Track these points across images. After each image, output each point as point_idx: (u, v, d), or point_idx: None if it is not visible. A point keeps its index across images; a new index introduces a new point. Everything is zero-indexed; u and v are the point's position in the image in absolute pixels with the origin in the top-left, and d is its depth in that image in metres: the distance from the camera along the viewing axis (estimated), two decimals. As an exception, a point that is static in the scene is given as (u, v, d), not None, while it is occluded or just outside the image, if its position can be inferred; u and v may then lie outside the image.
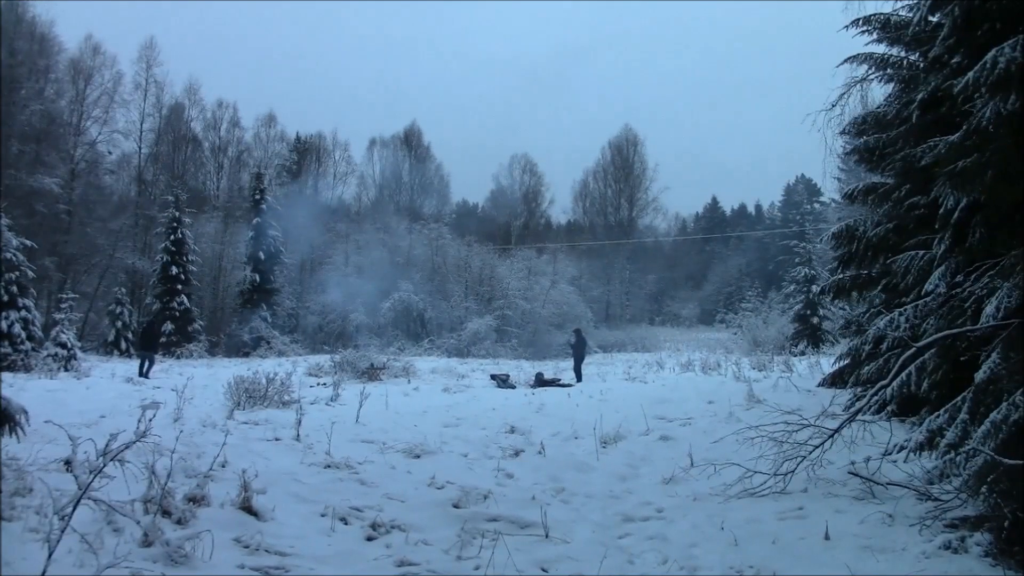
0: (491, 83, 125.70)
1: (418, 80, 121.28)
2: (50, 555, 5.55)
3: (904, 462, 9.27)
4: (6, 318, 27.39)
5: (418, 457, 11.77)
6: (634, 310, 70.09)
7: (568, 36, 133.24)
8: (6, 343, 26.77)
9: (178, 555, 6.62)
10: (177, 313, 43.82)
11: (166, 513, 7.42)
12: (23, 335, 27.79)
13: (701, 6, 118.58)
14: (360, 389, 17.27)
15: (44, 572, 5.47)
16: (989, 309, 8.51)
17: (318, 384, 22.99)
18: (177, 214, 44.73)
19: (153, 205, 50.51)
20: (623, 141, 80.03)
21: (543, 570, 7.21)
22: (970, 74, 8.61)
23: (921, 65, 13.85)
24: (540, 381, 25.67)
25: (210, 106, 60.53)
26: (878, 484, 8.82)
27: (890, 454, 9.67)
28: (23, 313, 28.10)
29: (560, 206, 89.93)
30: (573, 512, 9.16)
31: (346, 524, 8.33)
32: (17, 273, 28.02)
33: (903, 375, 10.00)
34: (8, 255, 27.79)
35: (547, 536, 7.98)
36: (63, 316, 29.05)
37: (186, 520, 7.48)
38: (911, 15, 13.25)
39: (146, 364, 26.90)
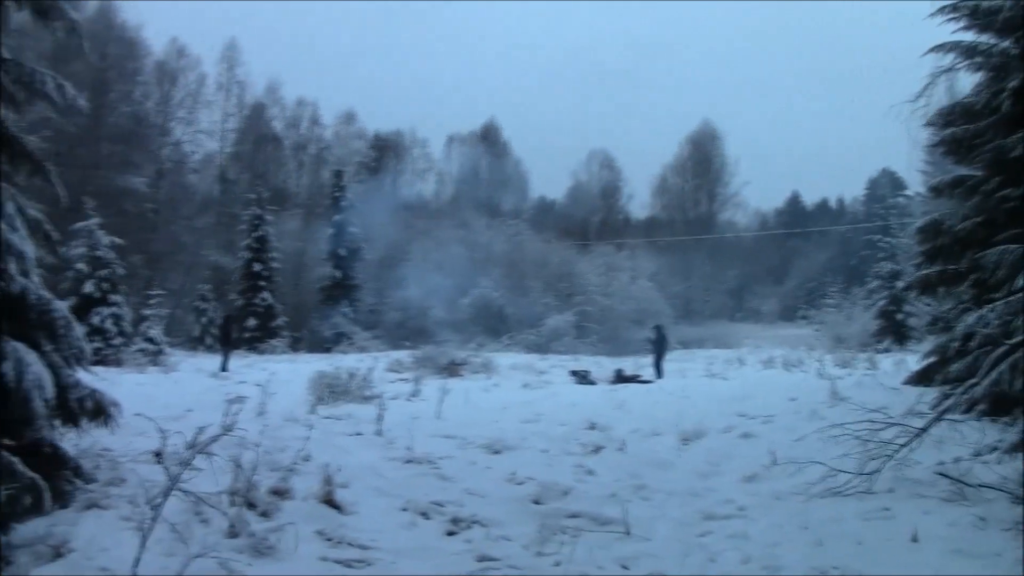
0: (569, 79, 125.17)
1: (496, 77, 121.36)
2: (143, 543, 5.72)
3: (997, 464, 9.01)
4: (98, 314, 28.21)
5: (498, 453, 11.83)
6: (714, 306, 69.36)
7: (646, 31, 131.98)
8: (98, 338, 27.56)
9: (263, 546, 6.76)
10: (260, 309, 44.60)
11: (251, 505, 7.59)
12: (114, 330, 28.59)
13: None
14: (440, 385, 17.42)
15: (138, 559, 5.63)
16: (1086, 305, 8.24)
17: (399, 380, 23.19)
18: (259, 212, 45.56)
19: (236, 203, 51.50)
20: (702, 135, 79.21)
21: (624, 567, 7.17)
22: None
23: (1013, 52, 13.44)
24: (620, 377, 25.56)
25: (290, 105, 61.63)
26: (969, 486, 8.57)
27: (981, 455, 9.40)
28: (113, 309, 28.90)
29: (639, 201, 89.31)
30: (654, 509, 9.10)
31: (427, 519, 8.41)
32: (108, 270, 28.83)
33: (994, 373, 9.71)
34: (99, 253, 28.62)
35: (628, 533, 7.95)
36: (151, 312, 29.85)
37: (270, 512, 7.64)
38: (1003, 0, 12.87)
39: (226, 359, 27.59)
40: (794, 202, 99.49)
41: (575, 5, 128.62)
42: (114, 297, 29.16)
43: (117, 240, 30.20)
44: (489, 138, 75.87)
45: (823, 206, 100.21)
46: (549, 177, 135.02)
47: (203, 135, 52.56)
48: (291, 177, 63.65)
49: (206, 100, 52.67)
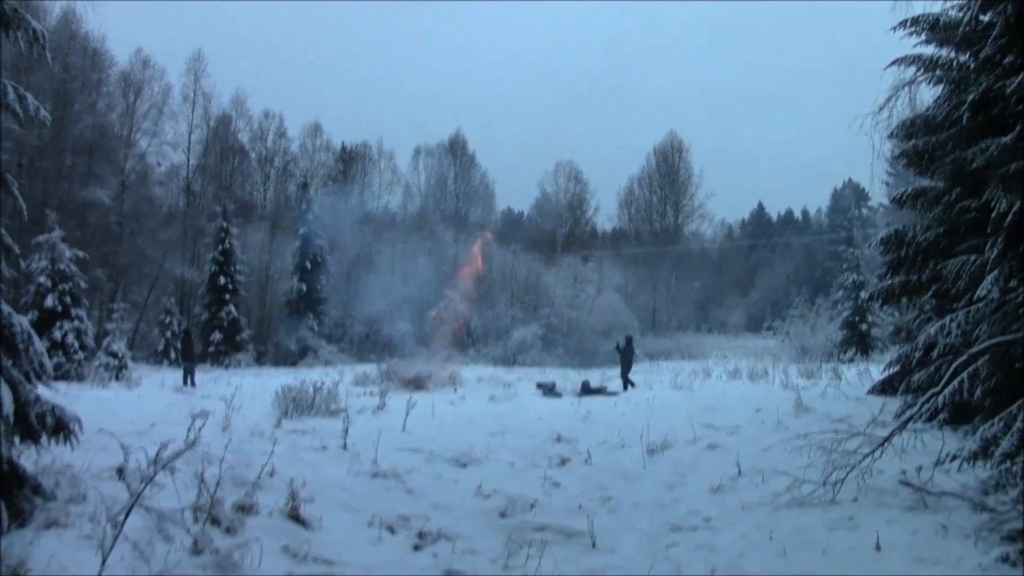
0: (536, 90, 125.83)
1: (463, 88, 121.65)
2: (104, 561, 5.63)
3: (958, 472, 9.10)
4: (60, 328, 27.86)
5: (464, 466, 11.79)
6: (680, 318, 69.52)
7: (613, 42, 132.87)
8: (60, 353, 27.20)
9: (227, 563, 6.68)
10: (225, 323, 44.28)
11: (215, 521, 7.50)
12: (76, 345, 28.24)
13: (746, 8, 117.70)
14: (406, 398, 17.33)
15: (97, 578, 5.54)
16: (1045, 314, 8.34)
17: (365, 393, 23.06)
18: (225, 225, 45.26)
19: (201, 216, 51.10)
20: (668, 147, 79.55)
21: (590, 580, 7.17)
22: (1022, 74, 8.46)
23: (972, 66, 13.63)
24: (586, 389, 25.56)
25: (257, 117, 61.16)
26: (931, 494, 8.67)
27: (943, 463, 9.48)
28: (76, 323, 28.56)
29: (605, 213, 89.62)
30: (620, 521, 9.11)
31: (393, 533, 8.36)
32: (70, 284, 28.48)
33: (955, 382, 9.80)
34: (62, 266, 28.27)
35: (594, 545, 7.95)
36: (114, 326, 29.47)
37: (235, 528, 7.55)
38: (961, 15, 13.04)
39: (188, 373, 27.32)
40: (759, 213, 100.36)
41: (540, 13, 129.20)
42: (76, 311, 28.79)
43: (80, 253, 29.84)
44: (456, 150, 75.74)
45: (788, 217, 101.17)
46: (516, 189, 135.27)
47: (168, 147, 52.00)
48: (257, 189, 63.20)
49: (171, 111, 52.16)
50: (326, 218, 51.07)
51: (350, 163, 69.05)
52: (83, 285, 29.66)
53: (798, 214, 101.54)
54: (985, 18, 11.35)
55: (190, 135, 54.42)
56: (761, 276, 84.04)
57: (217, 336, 43.38)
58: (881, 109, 15.24)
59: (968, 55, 14.07)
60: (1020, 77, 8.53)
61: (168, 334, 41.31)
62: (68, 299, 28.40)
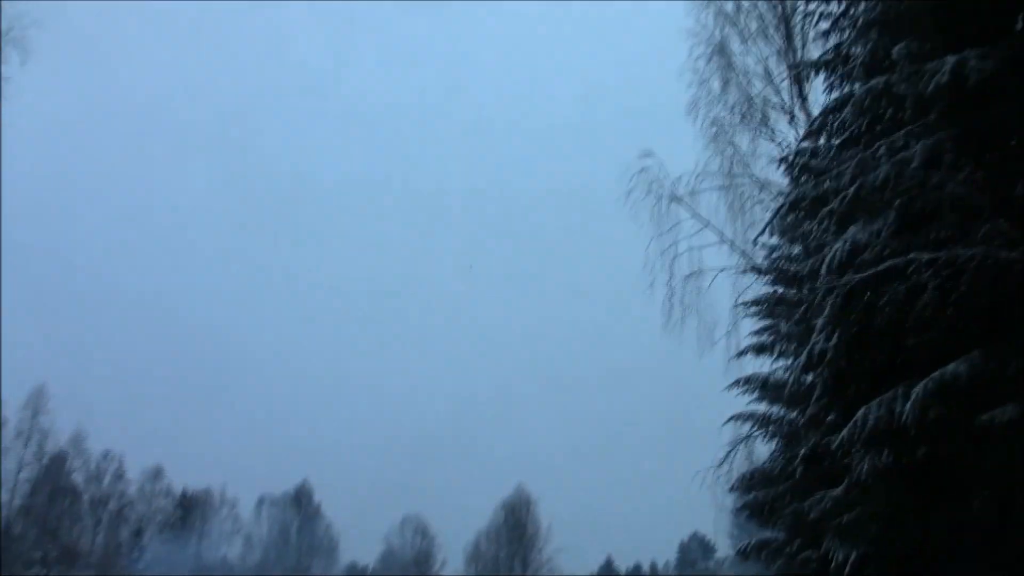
0: (385, 440, 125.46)
1: (313, 434, 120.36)
2: None
3: None
4: None
5: None
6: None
7: (464, 400, 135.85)
8: None
9: None
10: None
11: None
12: None
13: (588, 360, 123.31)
14: None
15: None
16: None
17: None
18: (44, 572, 42.05)
19: (17, 562, 47.34)
20: (517, 501, 79.59)
21: None
22: (844, 431, 9.13)
23: (801, 422, 14.58)
24: None
25: (95, 457, 58.79)
26: None
27: None
28: None
29: (452, 567, 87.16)
30: None
31: None
32: None
33: None
34: None
35: None
36: None
37: None
38: (787, 376, 14.14)
39: None
40: (608, 567, 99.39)
41: (392, 379, 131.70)
42: None
43: None
44: (302, 499, 73.87)
45: (636, 571, 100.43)
46: (363, 540, 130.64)
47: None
48: (86, 533, 59.45)
49: (3, 448, 49.76)
50: (160, 568, 48.14)
51: (190, 510, 66.31)
52: None
53: (646, 567, 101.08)
54: (808, 379, 12.30)
55: (19, 474, 51.68)
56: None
57: None
58: (721, 463, 16.01)
59: (797, 412, 15.10)
60: (842, 434, 9.19)
61: None
62: None
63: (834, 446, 9.65)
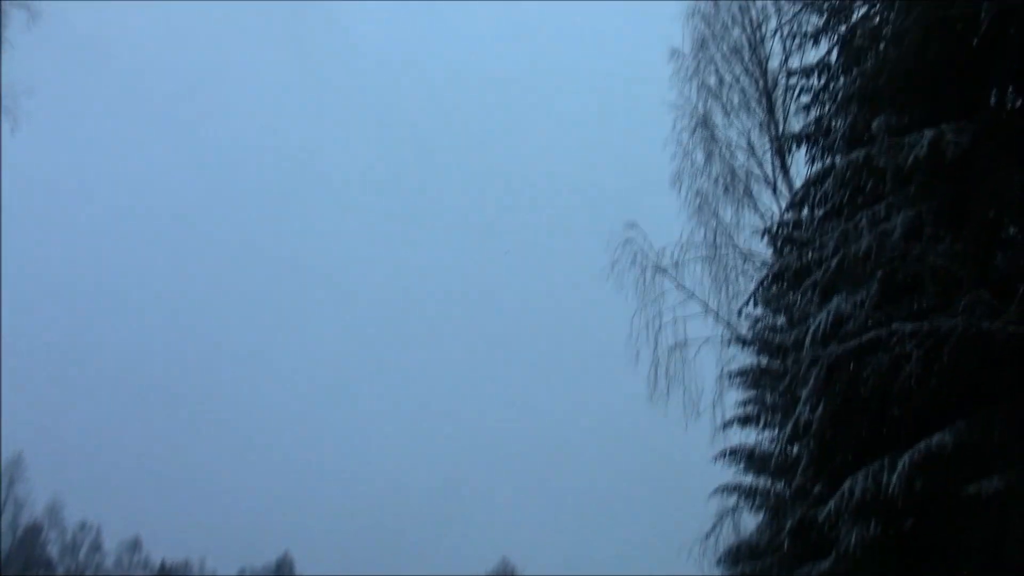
0: (368, 512, 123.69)
1: (294, 504, 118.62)
2: None
3: None
4: None
5: None
6: None
7: (444, 469, 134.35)
8: None
9: None
10: None
11: None
12: None
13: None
14: None
15: None
16: None
17: None
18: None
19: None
20: (501, 574, 78.40)
21: None
22: (831, 503, 9.08)
23: (787, 494, 14.49)
24: None
25: (72, 528, 57.81)
26: None
27: None
28: None
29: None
30: None
31: None
32: None
33: None
34: None
35: None
36: None
37: None
38: (773, 447, 14.10)
39: None
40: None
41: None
42: None
43: None
44: (283, 572, 72.74)
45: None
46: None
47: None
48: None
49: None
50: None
51: (169, 583, 65.23)
52: None
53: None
54: (794, 450, 12.27)
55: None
56: None
57: None
58: (708, 536, 15.87)
59: (783, 483, 15.02)
60: (829, 506, 9.14)
61: None
62: None
63: (821, 518, 9.59)
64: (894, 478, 8.53)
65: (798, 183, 14.73)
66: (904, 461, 8.51)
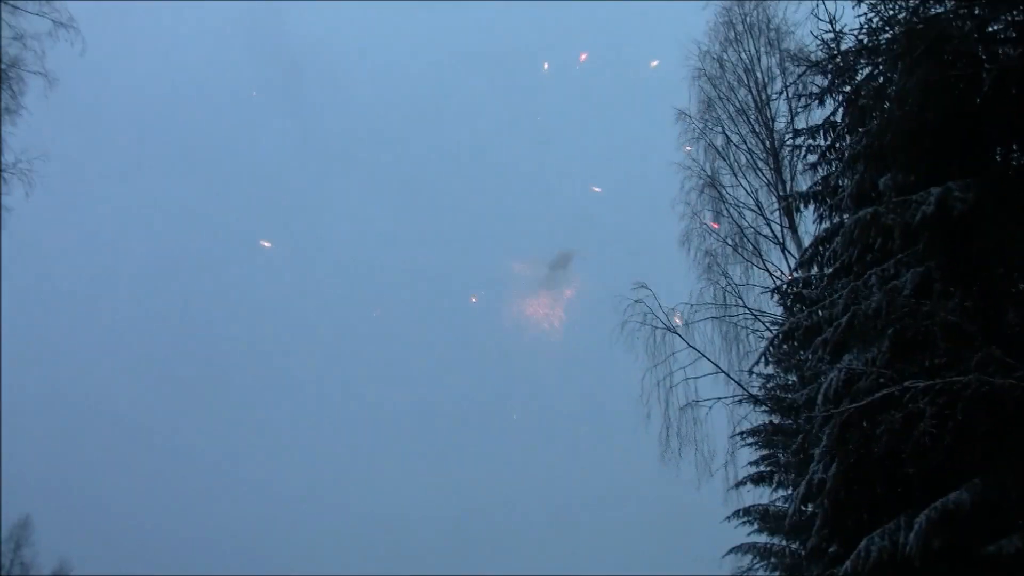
0: None
1: (309, 563, 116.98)
2: None
3: None
4: None
5: None
6: None
7: (451, 523, 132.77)
8: None
9: None
10: None
11: None
12: None
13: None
14: None
15: None
16: None
17: None
18: None
19: None
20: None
21: None
22: (847, 563, 9.01)
23: (802, 554, 14.35)
24: None
25: (82, 593, 57.05)
26: None
27: None
28: None
29: None
30: None
31: None
32: None
33: None
34: None
35: None
36: None
37: None
38: (787, 506, 13.98)
39: None
40: None
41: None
42: None
43: None
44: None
45: None
46: None
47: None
48: None
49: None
50: None
51: None
52: None
53: None
54: (808, 509, 12.17)
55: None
56: None
57: None
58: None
59: (798, 543, 14.87)
60: (845, 566, 9.08)
61: None
62: None
63: (838, 578, 9.48)
64: (911, 537, 8.46)
65: (807, 241, 14.82)
66: (921, 520, 8.44)
